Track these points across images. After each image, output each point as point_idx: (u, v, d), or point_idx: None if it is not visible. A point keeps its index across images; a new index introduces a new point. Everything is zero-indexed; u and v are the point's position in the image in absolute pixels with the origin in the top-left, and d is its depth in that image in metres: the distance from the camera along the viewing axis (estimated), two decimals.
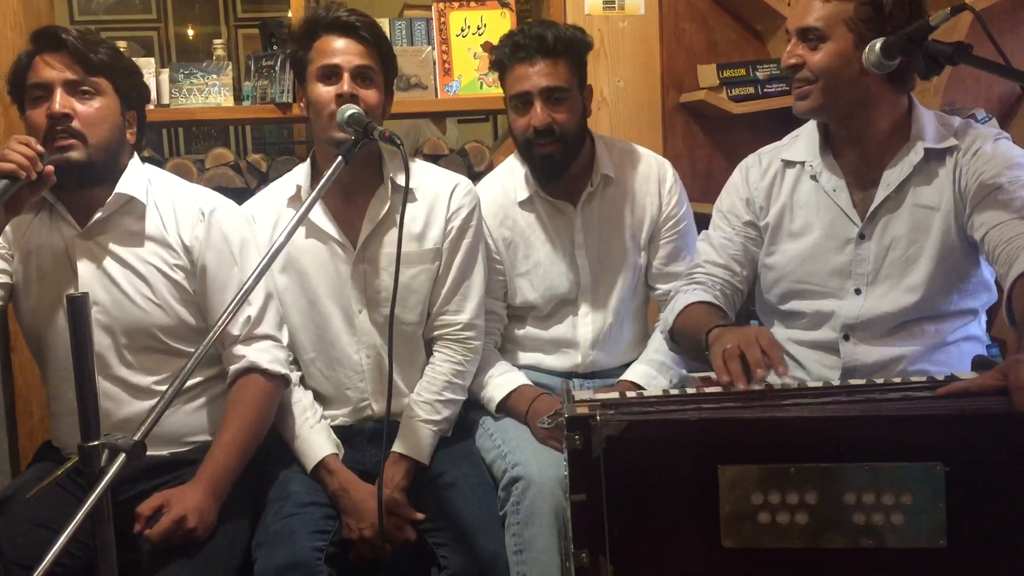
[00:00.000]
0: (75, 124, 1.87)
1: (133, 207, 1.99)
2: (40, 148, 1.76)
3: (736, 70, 2.90)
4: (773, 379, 1.58)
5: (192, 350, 1.38)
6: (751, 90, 2.89)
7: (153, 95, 2.76)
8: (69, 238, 1.97)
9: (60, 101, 1.86)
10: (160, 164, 2.50)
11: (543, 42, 2.14)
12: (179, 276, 1.99)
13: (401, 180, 1.93)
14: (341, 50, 2.02)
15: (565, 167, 2.24)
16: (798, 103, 1.91)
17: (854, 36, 1.81)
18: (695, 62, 2.99)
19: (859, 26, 1.81)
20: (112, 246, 1.97)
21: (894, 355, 1.90)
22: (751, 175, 2.07)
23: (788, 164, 2.03)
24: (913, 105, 1.92)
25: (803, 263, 1.98)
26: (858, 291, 1.92)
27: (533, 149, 2.19)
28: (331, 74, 2.02)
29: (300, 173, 2.18)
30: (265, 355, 2.00)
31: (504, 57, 2.19)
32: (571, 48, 2.18)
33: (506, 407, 2.21)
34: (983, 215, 1.79)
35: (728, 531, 1.38)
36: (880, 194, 1.90)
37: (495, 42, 2.27)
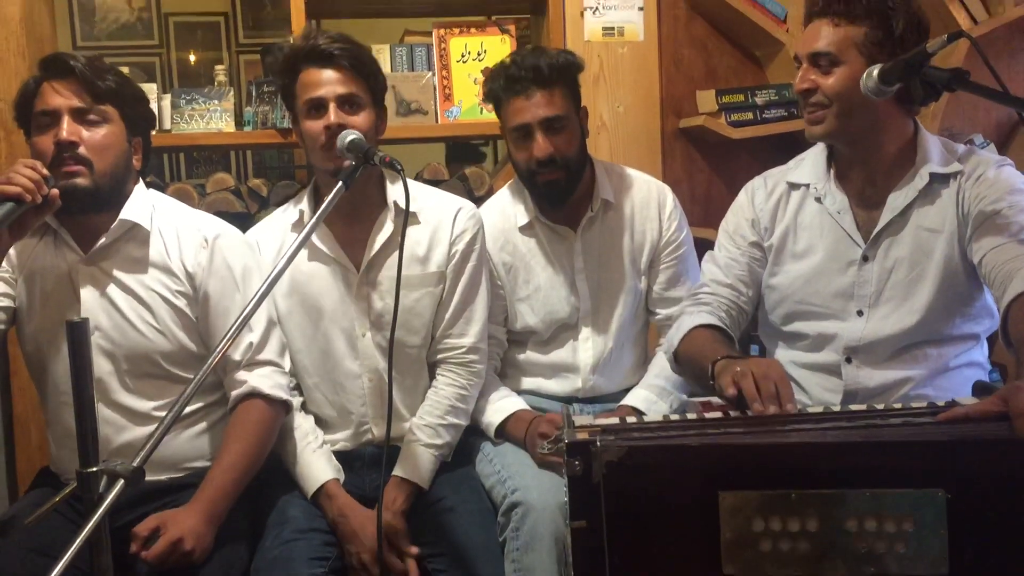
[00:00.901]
0: (81, 151, 1.88)
1: (136, 233, 1.99)
2: (45, 172, 1.77)
3: (735, 96, 2.92)
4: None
5: (193, 376, 1.38)
6: (750, 115, 2.91)
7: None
8: (72, 263, 1.97)
9: (67, 128, 1.87)
10: (161, 189, 2.50)
11: (538, 73, 2.14)
12: (181, 303, 1.99)
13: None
14: (324, 80, 2.03)
15: (570, 193, 2.24)
16: (812, 128, 1.91)
17: (865, 59, 1.81)
18: (694, 88, 3.01)
19: (870, 49, 1.82)
20: (115, 272, 1.97)
21: (896, 379, 1.90)
22: (757, 196, 2.09)
23: (793, 186, 2.04)
24: (919, 129, 1.94)
25: (806, 284, 1.98)
26: (860, 312, 1.93)
27: (537, 178, 2.19)
28: (317, 106, 2.03)
29: (303, 200, 2.19)
30: (267, 380, 2.00)
31: (499, 90, 2.19)
32: (565, 74, 2.18)
33: (504, 432, 2.21)
34: (982, 239, 1.80)
35: (729, 558, 1.37)
36: (885, 216, 1.91)
37: (492, 75, 2.27)
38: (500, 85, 2.19)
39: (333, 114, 2.00)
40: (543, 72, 2.14)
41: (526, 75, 2.14)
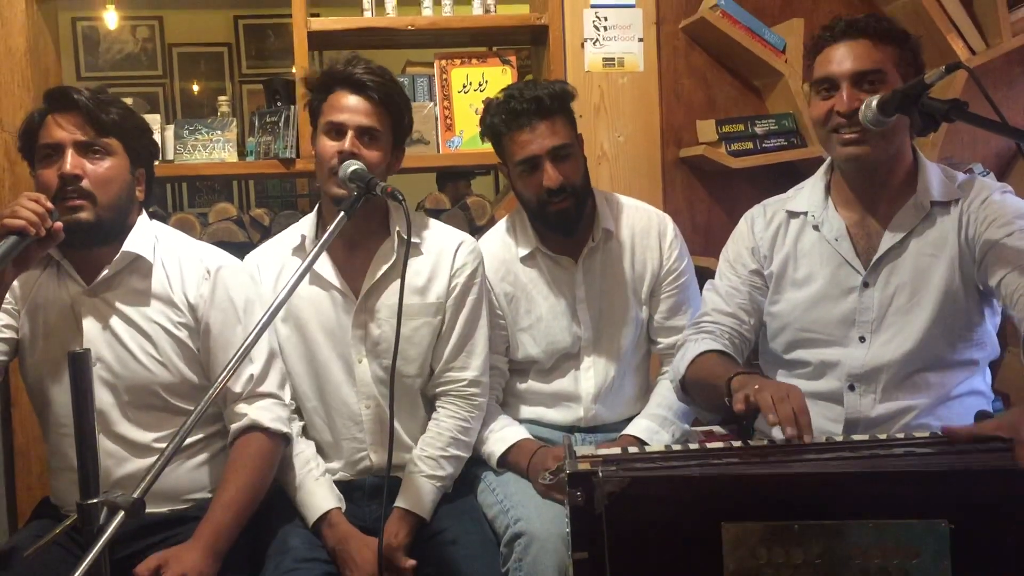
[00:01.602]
0: (85, 184, 1.89)
1: (139, 265, 2.00)
2: (49, 205, 1.77)
3: (735, 125, 2.93)
4: (776, 433, 1.57)
5: (194, 408, 1.37)
6: (750, 145, 2.92)
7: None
8: (75, 295, 1.97)
9: (71, 162, 1.88)
10: (164, 219, 2.51)
11: (540, 104, 2.15)
12: (183, 334, 1.99)
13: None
14: (350, 107, 2.05)
15: (579, 219, 2.25)
16: (849, 148, 1.86)
17: (902, 80, 1.81)
18: (694, 117, 3.03)
19: (905, 70, 1.83)
20: (118, 304, 1.98)
21: (898, 408, 1.89)
22: (756, 224, 2.09)
23: (792, 215, 2.04)
24: (918, 156, 1.94)
25: (807, 311, 1.98)
26: (862, 339, 1.92)
27: (548, 208, 2.20)
28: (337, 130, 2.04)
29: (306, 224, 2.20)
30: (267, 413, 2.00)
31: (501, 124, 2.20)
32: (563, 103, 2.20)
33: (507, 461, 2.20)
34: (997, 263, 1.79)
35: None
36: (885, 243, 1.91)
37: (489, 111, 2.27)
38: (502, 119, 2.19)
39: (348, 142, 2.02)
40: (545, 103, 2.16)
41: (528, 107, 2.16)
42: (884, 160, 1.88)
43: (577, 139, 2.25)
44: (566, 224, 2.24)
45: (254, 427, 1.98)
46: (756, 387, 1.61)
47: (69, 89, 1.95)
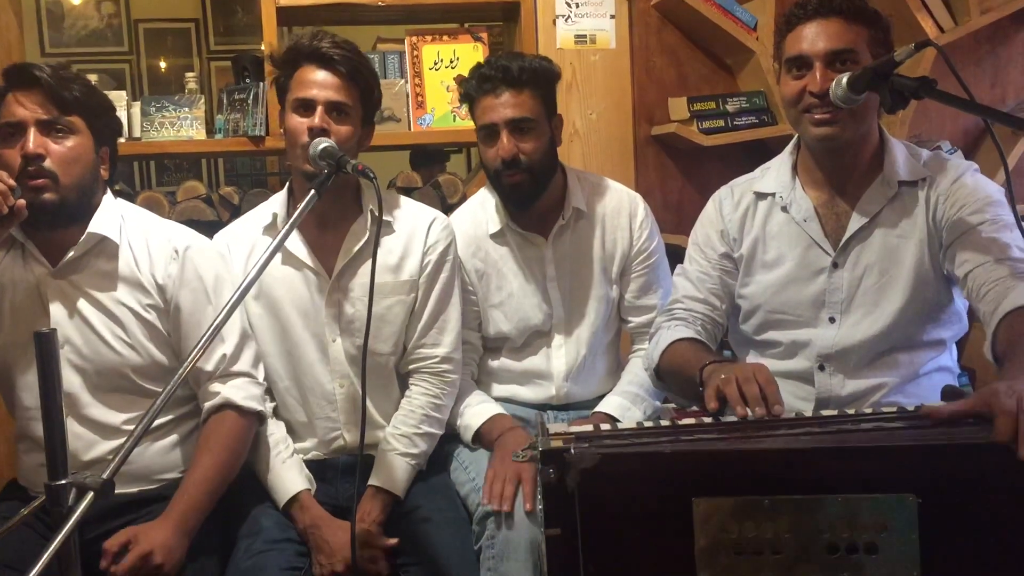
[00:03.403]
0: (48, 164, 1.85)
1: (106, 246, 1.97)
2: (12, 182, 1.74)
3: (706, 103, 2.94)
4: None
5: (163, 390, 1.36)
6: (721, 123, 2.93)
7: (124, 128, 2.75)
8: (41, 277, 1.94)
9: (33, 141, 1.84)
10: (131, 197, 2.48)
11: (508, 73, 2.15)
12: (152, 316, 1.97)
13: None
14: (318, 83, 2.02)
15: (534, 196, 2.25)
16: (822, 129, 1.84)
17: (874, 60, 1.80)
18: (666, 95, 3.03)
19: (876, 50, 1.82)
20: (84, 286, 1.95)
21: (868, 386, 1.91)
22: (724, 206, 2.08)
23: (760, 196, 2.04)
24: (884, 135, 1.95)
25: (777, 293, 1.99)
26: (832, 319, 1.94)
27: (502, 179, 2.21)
28: (306, 106, 2.02)
29: (277, 202, 2.18)
30: (240, 392, 1.99)
31: (472, 89, 2.21)
32: (536, 78, 2.19)
33: (481, 437, 2.20)
34: (965, 253, 1.79)
35: (703, 564, 1.37)
36: (853, 224, 1.91)
37: (467, 75, 2.29)
38: (472, 84, 2.21)
39: (319, 117, 1.99)
40: (513, 73, 2.16)
41: (496, 75, 2.16)
42: (854, 140, 1.88)
43: (549, 120, 2.25)
44: (518, 198, 2.24)
45: (227, 405, 1.97)
46: (723, 378, 1.61)
47: (30, 65, 1.90)
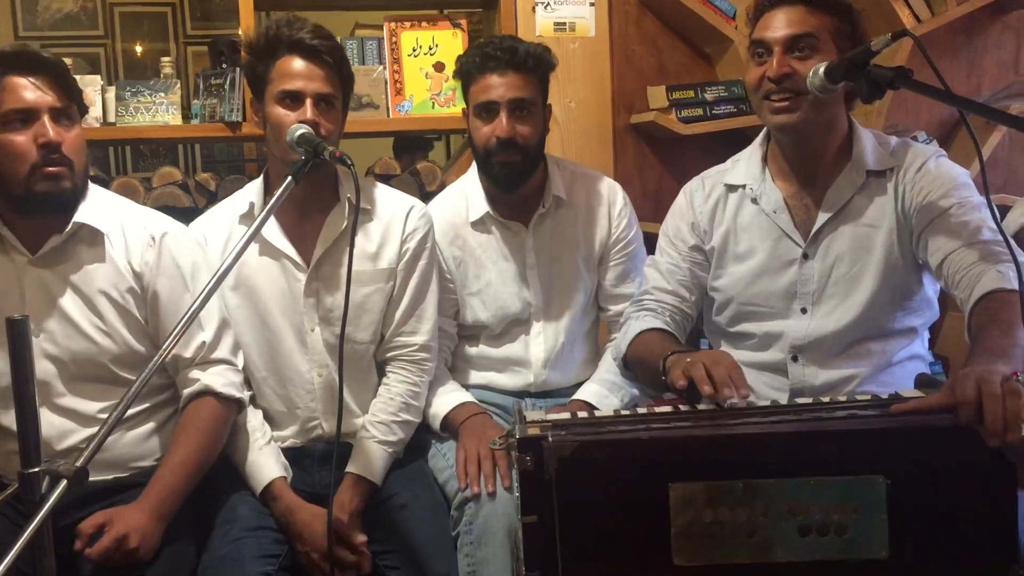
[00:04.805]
0: (65, 151, 1.83)
1: (88, 235, 1.94)
2: None
3: (685, 92, 2.94)
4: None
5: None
6: (700, 111, 2.94)
7: (99, 113, 2.72)
8: (19, 264, 1.92)
9: (53, 129, 1.81)
10: (106, 184, 2.46)
11: (515, 55, 2.16)
12: (129, 304, 1.96)
13: None
14: (304, 74, 1.99)
15: (523, 179, 2.25)
16: (780, 116, 1.85)
17: (836, 51, 1.81)
18: (645, 84, 3.03)
19: (841, 41, 1.83)
20: (63, 274, 1.92)
21: (841, 377, 1.92)
22: (695, 199, 2.09)
23: (730, 188, 2.04)
24: (852, 125, 1.95)
25: (749, 285, 1.99)
26: (804, 310, 1.95)
27: (492, 158, 2.20)
28: (293, 98, 1.99)
29: (252, 190, 2.16)
30: (219, 378, 1.98)
31: (472, 67, 2.20)
32: (539, 64, 2.21)
33: (448, 422, 2.20)
34: (937, 240, 1.80)
35: (679, 549, 1.39)
36: (822, 215, 1.92)
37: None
38: (474, 62, 2.20)
39: (310, 111, 1.97)
40: (520, 55, 2.16)
41: (503, 55, 2.16)
42: (816, 129, 1.88)
43: (543, 105, 2.25)
44: (508, 179, 2.23)
45: (206, 392, 1.96)
46: (689, 361, 1.63)
47: (34, 50, 1.87)
